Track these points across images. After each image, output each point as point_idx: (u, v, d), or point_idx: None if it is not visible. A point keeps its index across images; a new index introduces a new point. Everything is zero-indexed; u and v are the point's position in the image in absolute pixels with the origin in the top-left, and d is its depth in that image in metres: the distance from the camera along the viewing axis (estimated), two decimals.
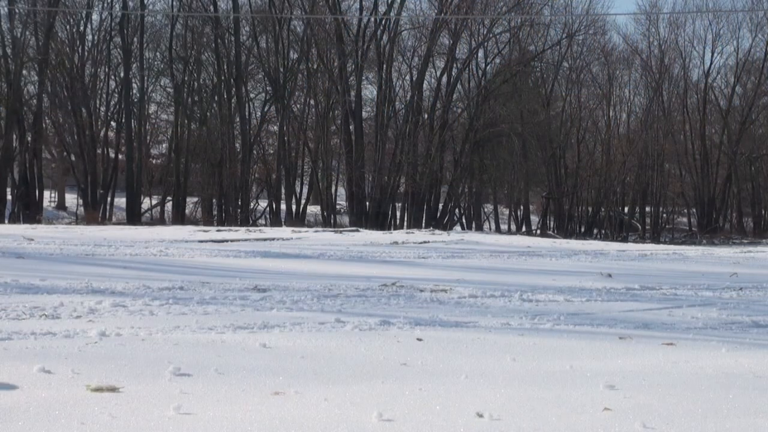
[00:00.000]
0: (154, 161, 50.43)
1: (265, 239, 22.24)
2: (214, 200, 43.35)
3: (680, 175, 52.88)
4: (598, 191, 48.26)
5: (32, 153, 40.43)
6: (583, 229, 47.32)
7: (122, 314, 8.90)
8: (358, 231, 29.04)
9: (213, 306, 9.67)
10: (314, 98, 45.17)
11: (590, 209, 49.18)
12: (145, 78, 43.12)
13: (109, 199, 42.71)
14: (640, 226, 49.80)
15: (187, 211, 43.51)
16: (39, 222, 34.63)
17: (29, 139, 40.00)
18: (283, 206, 42.35)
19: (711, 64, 51.83)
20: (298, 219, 41.25)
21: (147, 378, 5.09)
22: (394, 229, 38.37)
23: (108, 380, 4.79)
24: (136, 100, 42.86)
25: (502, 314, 9.60)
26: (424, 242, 23.06)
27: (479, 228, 45.49)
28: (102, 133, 44.97)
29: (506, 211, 51.09)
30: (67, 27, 43.99)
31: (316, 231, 28.69)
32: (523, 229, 46.51)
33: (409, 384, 4.99)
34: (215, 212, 42.59)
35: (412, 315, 9.23)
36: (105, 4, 44.82)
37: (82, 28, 44.06)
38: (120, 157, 44.72)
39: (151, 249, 17.53)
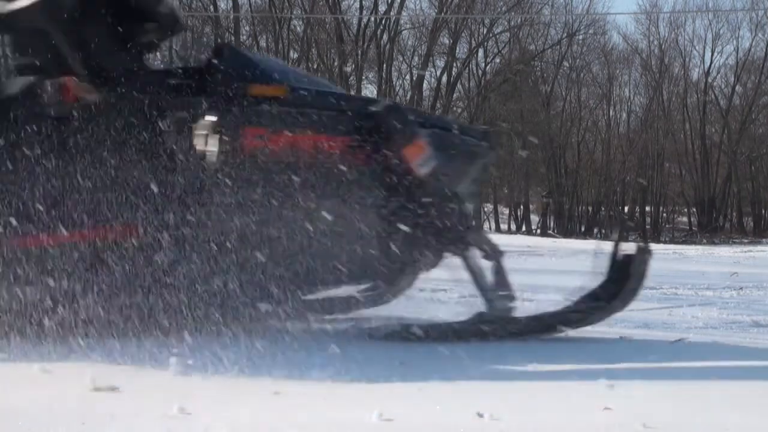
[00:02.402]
0: None
1: None
2: None
3: (680, 174, 52.90)
4: (598, 191, 48.28)
5: None
6: (583, 229, 47.33)
7: None
8: None
9: None
10: None
11: (590, 209, 49.19)
12: None
13: None
14: (640, 226, 49.83)
15: None
16: None
17: None
18: None
19: (711, 63, 51.88)
20: None
21: (147, 378, 5.09)
22: None
23: (108, 380, 4.78)
24: None
25: None
26: None
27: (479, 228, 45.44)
28: None
29: (506, 211, 51.08)
30: None
31: None
32: (523, 228, 46.51)
33: (409, 384, 4.99)
34: None
35: (412, 314, 9.21)
36: None
37: None
38: None
39: None
